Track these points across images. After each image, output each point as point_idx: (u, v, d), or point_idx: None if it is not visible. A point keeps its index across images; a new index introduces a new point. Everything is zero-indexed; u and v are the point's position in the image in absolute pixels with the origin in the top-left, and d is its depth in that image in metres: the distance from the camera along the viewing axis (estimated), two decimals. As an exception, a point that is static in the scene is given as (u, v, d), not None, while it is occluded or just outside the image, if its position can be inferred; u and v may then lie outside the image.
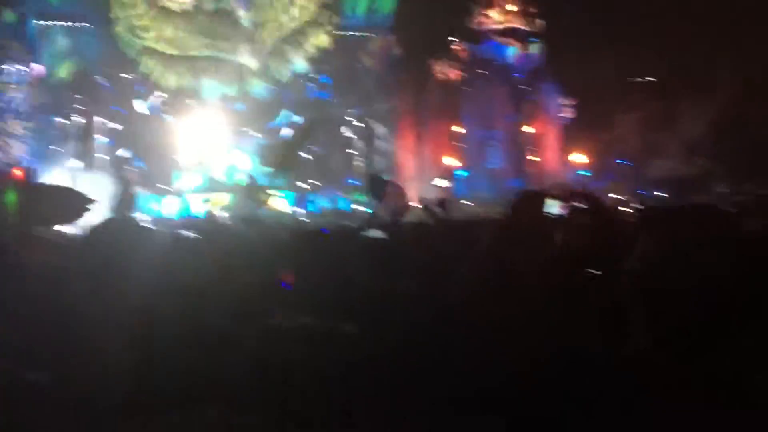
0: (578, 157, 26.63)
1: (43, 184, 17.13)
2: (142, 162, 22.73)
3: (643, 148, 26.26)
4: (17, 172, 14.83)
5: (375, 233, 7.40)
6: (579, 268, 3.22)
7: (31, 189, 13.17)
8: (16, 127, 20.27)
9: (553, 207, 4.28)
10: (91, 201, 12.84)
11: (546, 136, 26.51)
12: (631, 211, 15.80)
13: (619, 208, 16.78)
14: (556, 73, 25.75)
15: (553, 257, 3.50)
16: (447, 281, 3.53)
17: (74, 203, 12.03)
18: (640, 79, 26.15)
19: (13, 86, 20.08)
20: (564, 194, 4.13)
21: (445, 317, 2.98)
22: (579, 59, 23.33)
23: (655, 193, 22.53)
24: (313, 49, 24.37)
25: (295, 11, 23.96)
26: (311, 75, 25.20)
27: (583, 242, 3.59)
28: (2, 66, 20.04)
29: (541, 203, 4.62)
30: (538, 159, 26.71)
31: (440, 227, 7.98)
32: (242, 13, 23.17)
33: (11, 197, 10.95)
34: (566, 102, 26.50)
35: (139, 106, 23.19)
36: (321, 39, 24.41)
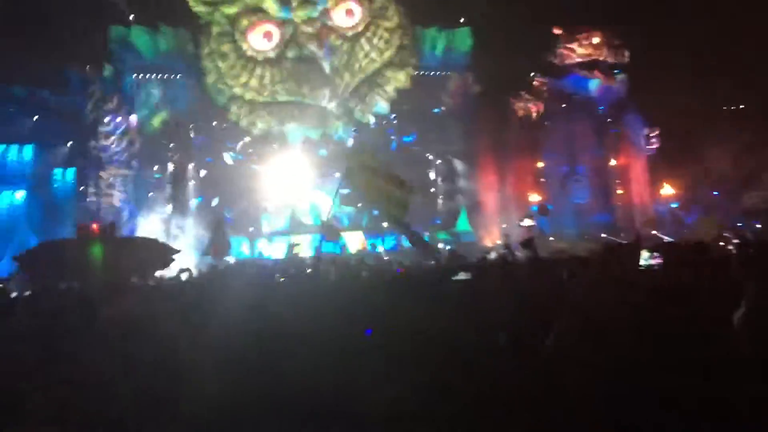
0: (666, 190, 25.88)
1: (129, 237, 17.83)
2: (231, 206, 23.37)
3: (735, 178, 25.31)
4: (95, 227, 15.32)
5: (461, 275, 7.25)
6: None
7: (116, 242, 13.73)
8: (115, 174, 21.17)
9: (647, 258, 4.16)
10: (175, 251, 13.14)
11: (632, 168, 25.88)
12: (727, 245, 15.18)
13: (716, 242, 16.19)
14: (641, 104, 25.24)
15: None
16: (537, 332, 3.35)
17: (160, 254, 12.31)
18: (731, 107, 25.33)
19: (112, 137, 21.04)
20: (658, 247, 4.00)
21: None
22: (664, 89, 22.83)
23: (755, 224, 21.54)
24: (393, 90, 24.65)
25: (374, 54, 24.33)
26: (391, 116, 25.48)
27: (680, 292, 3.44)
28: (103, 118, 21.01)
29: (638, 255, 4.51)
30: (624, 192, 26.07)
31: (526, 269, 7.79)
32: (323, 59, 23.69)
33: (97, 251, 11.34)
34: (652, 133, 25.89)
35: (228, 153, 23.96)
36: (400, 79, 24.67)
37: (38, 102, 20.99)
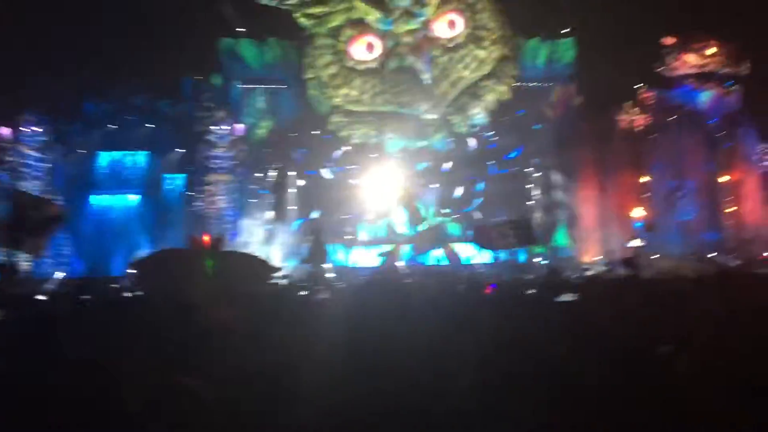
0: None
1: (234, 252, 18.38)
2: (329, 215, 23.85)
3: None
4: (206, 239, 15.82)
5: (564, 297, 6.90)
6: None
7: (223, 256, 14.15)
8: (221, 180, 22.10)
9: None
10: (276, 269, 13.35)
11: (745, 185, 24.49)
12: None
13: None
14: (756, 118, 23.91)
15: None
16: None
17: (261, 271, 12.54)
18: None
19: (220, 144, 22.01)
20: None
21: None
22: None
23: None
24: (493, 101, 24.48)
25: (474, 65, 24.26)
26: (491, 131, 25.28)
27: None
28: (211, 126, 22.02)
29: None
30: (735, 209, 24.71)
31: (629, 289, 7.43)
32: (423, 69, 23.85)
33: (210, 263, 11.69)
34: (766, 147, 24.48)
35: (327, 169, 24.50)
36: (501, 91, 24.47)
37: (153, 111, 22.26)
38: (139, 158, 22.63)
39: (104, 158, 22.57)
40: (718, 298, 4.91)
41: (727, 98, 24.05)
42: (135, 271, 13.13)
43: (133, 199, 22.30)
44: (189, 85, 22.61)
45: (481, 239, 18.18)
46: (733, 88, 24.20)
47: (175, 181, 22.67)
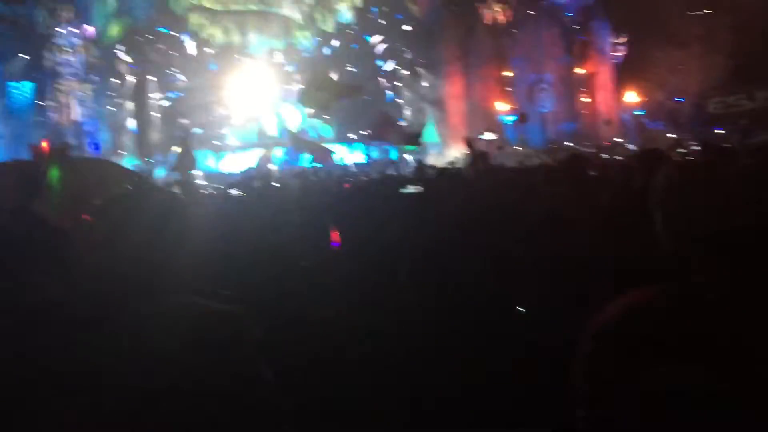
0: (631, 97, 25.97)
1: (81, 159, 17.50)
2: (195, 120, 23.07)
3: (700, 85, 25.44)
4: (44, 146, 14.93)
5: (410, 188, 7.34)
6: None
7: (70, 164, 13.40)
8: (74, 87, 20.64)
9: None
10: (133, 174, 12.98)
11: (598, 76, 25.83)
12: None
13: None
14: (608, 10, 24.98)
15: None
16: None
17: (116, 177, 12.14)
18: (697, 12, 25.14)
19: (67, 49, 20.36)
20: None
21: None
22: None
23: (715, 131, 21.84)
24: (358, -3, 24.13)
25: (338, -41, 23.66)
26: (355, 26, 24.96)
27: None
28: (56, 29, 20.26)
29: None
30: (590, 101, 26.12)
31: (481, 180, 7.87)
32: (285, -35, 23.08)
33: (54, 173, 11.13)
34: (619, 40, 25.72)
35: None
36: (365, -13, 24.13)
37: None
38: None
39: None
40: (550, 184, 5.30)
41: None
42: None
43: (-25, 110, 20.45)
44: (27, -17, 20.54)
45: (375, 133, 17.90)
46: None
47: (22, 89, 20.91)
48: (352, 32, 24.98)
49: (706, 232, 1.33)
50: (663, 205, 1.69)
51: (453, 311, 2.54)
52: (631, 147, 20.91)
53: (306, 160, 24.12)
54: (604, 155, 15.86)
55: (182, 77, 23.13)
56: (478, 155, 11.82)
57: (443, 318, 2.55)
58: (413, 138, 15.15)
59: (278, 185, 14.40)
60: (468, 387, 2.30)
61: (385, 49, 25.52)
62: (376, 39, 25.23)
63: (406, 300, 2.74)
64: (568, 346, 1.46)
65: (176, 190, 14.07)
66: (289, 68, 23.83)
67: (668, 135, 23.06)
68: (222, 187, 15.00)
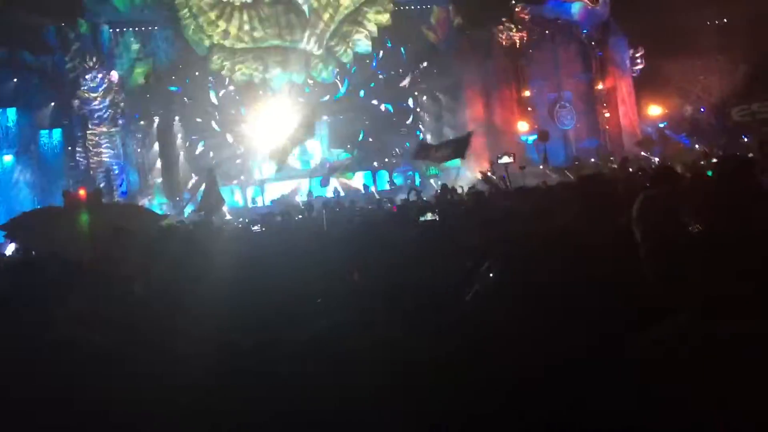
0: (654, 110, 25.87)
1: (114, 204, 17.72)
2: (219, 155, 23.39)
3: (722, 93, 25.31)
4: (81, 193, 15.23)
5: (428, 216, 7.39)
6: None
7: (103, 209, 13.64)
8: (102, 131, 21.01)
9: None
10: (162, 218, 13.28)
11: (618, 90, 25.78)
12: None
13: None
14: (624, 24, 25.01)
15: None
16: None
17: (146, 221, 12.32)
18: (716, 21, 25.09)
19: (94, 94, 20.75)
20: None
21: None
22: (647, 6, 22.61)
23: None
24: (374, 27, 24.37)
25: (352, -8, 23.96)
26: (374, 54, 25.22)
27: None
28: (83, 76, 20.67)
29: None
30: (611, 116, 26.05)
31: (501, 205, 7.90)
32: (302, 1, 23.44)
33: (84, 218, 11.30)
34: (637, 53, 25.71)
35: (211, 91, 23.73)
36: (380, 16, 24.37)
37: (18, 63, 20.64)
38: (9, 116, 21.00)
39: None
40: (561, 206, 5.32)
41: (596, 8, 24.90)
42: (6, 233, 12.68)
43: (8, 159, 20.85)
44: (53, 33, 20.98)
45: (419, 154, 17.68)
46: (602, -2, 25.06)
47: (52, 136, 21.36)
48: (368, 61, 25.23)
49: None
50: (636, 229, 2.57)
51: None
52: (656, 160, 20.78)
53: (330, 189, 24.36)
54: (630, 168, 15.77)
55: (207, 120, 23.52)
56: (491, 182, 11.99)
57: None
58: (461, 145, 14.76)
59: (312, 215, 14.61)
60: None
61: (405, 77, 25.77)
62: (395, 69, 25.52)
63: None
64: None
65: (204, 227, 14.30)
66: (311, 100, 24.06)
67: (696, 146, 22.90)
68: (246, 220, 15.29)
